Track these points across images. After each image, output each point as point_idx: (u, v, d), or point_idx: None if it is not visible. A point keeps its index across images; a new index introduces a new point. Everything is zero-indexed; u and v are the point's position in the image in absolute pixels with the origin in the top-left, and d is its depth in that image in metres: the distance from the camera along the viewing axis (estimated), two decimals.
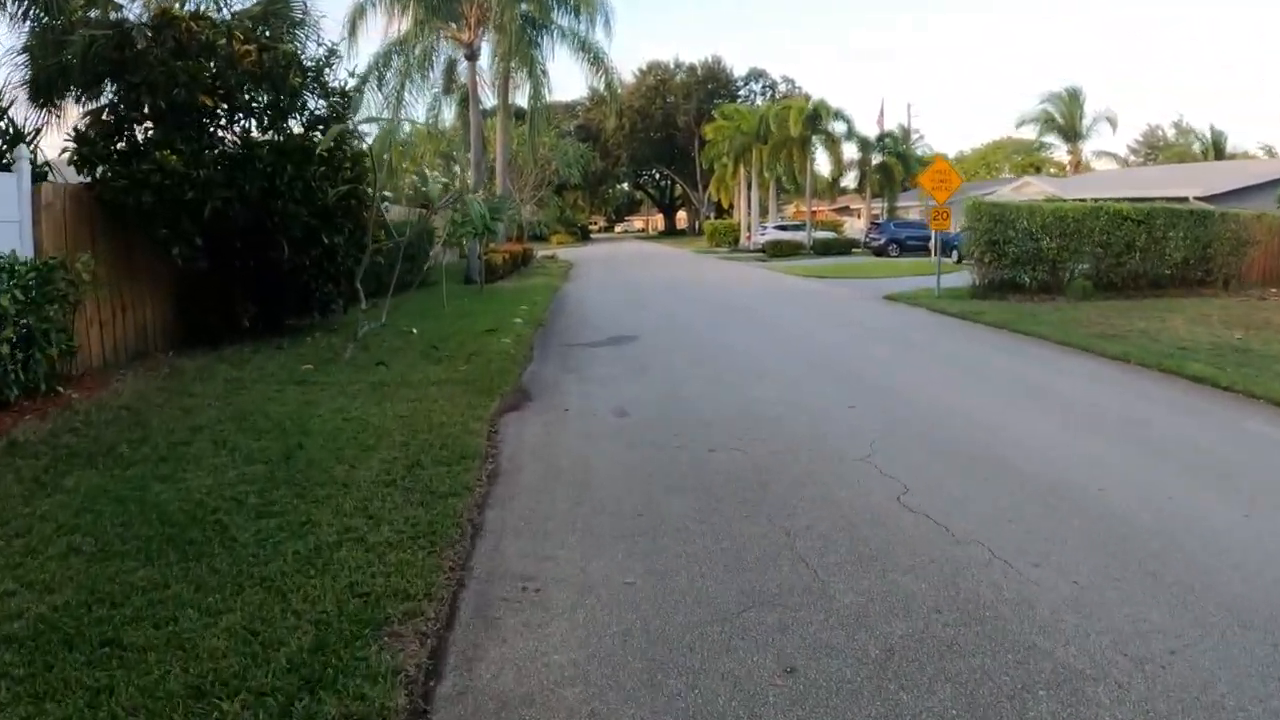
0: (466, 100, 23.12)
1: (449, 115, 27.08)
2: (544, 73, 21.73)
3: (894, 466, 5.48)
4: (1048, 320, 12.71)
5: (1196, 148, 50.29)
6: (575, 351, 10.79)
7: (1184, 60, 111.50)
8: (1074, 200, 19.80)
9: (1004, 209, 17.00)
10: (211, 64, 9.40)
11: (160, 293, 10.14)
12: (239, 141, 10.13)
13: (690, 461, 5.69)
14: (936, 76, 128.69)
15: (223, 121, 10.32)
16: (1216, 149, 46.98)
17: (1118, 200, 17.63)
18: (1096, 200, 17.93)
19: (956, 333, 12.18)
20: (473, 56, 21.92)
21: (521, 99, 23.34)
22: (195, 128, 9.55)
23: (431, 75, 22.85)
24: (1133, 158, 57.24)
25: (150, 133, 9.52)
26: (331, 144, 9.81)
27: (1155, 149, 60.24)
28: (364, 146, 11.27)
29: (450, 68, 24.00)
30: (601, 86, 24.61)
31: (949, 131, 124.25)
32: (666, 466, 5.60)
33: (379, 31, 21.70)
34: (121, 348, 9.46)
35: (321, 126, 10.68)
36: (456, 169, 36.79)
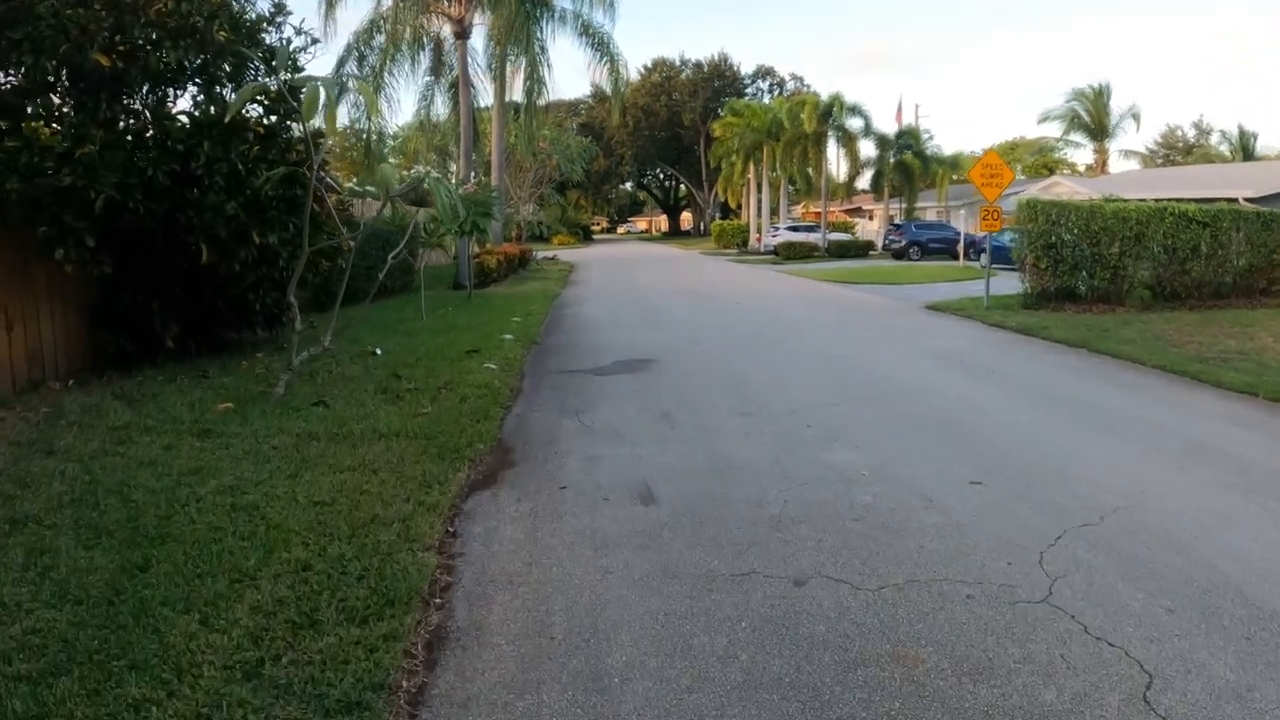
0: (457, 85, 20.93)
1: (442, 107, 24.86)
2: (542, 49, 19.48)
3: (1100, 616, 3.33)
4: (1125, 337, 10.91)
5: (1224, 149, 48.26)
6: (576, 383, 8.60)
7: (1180, 65, 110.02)
8: (1135, 201, 17.75)
9: (1062, 209, 15.04)
10: (108, 14, 7.25)
11: (64, 307, 8.14)
12: (146, 114, 7.97)
13: (769, 613, 3.42)
14: (938, 79, 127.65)
15: (140, 90, 8.22)
16: (1245, 150, 44.94)
17: (1159, 201, 15.69)
18: (1157, 200, 15.89)
19: (1032, 355, 10.08)
20: (463, 35, 19.64)
21: (518, 87, 21.20)
22: (92, 96, 7.45)
23: (421, 58, 20.75)
24: (1153, 159, 55.15)
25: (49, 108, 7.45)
26: (246, 110, 7.62)
27: (1174, 149, 58.09)
28: (318, 124, 9.13)
29: (439, 48, 21.76)
30: (605, 77, 22.41)
31: (954, 134, 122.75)
32: (732, 625, 3.32)
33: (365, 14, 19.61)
34: (6, 376, 7.47)
35: (265, 98, 8.55)
36: (454, 166, 34.69)
